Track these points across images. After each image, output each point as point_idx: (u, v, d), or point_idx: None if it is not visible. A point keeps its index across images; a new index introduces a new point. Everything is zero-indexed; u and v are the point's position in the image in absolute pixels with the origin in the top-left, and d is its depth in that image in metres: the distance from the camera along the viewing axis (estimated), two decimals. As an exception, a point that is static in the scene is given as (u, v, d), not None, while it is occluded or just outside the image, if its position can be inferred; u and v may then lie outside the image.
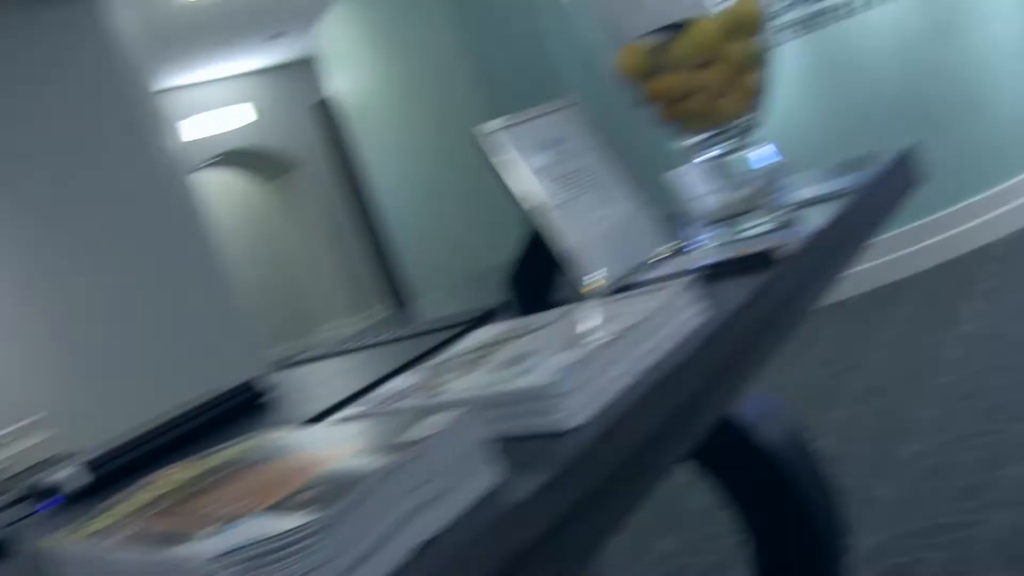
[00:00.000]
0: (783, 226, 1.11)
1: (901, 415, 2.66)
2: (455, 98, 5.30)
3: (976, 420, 2.46)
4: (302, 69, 8.90)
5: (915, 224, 4.01)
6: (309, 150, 9.15)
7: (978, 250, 4.00)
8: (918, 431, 2.52)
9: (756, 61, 1.25)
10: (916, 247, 4.00)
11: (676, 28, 1.19)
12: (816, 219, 1.09)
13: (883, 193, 1.27)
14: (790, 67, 3.95)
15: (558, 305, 0.85)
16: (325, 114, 8.36)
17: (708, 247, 1.11)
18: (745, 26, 1.23)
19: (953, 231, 4.04)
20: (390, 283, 8.19)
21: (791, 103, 3.97)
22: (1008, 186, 4.13)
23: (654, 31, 1.17)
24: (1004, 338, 2.96)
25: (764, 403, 1.26)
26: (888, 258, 3.99)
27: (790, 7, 3.90)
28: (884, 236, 3.94)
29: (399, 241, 7.01)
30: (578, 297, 0.99)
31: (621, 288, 0.98)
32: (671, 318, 0.71)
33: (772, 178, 1.23)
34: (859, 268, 3.95)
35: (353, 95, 6.94)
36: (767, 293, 0.82)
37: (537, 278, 1.10)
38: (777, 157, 1.23)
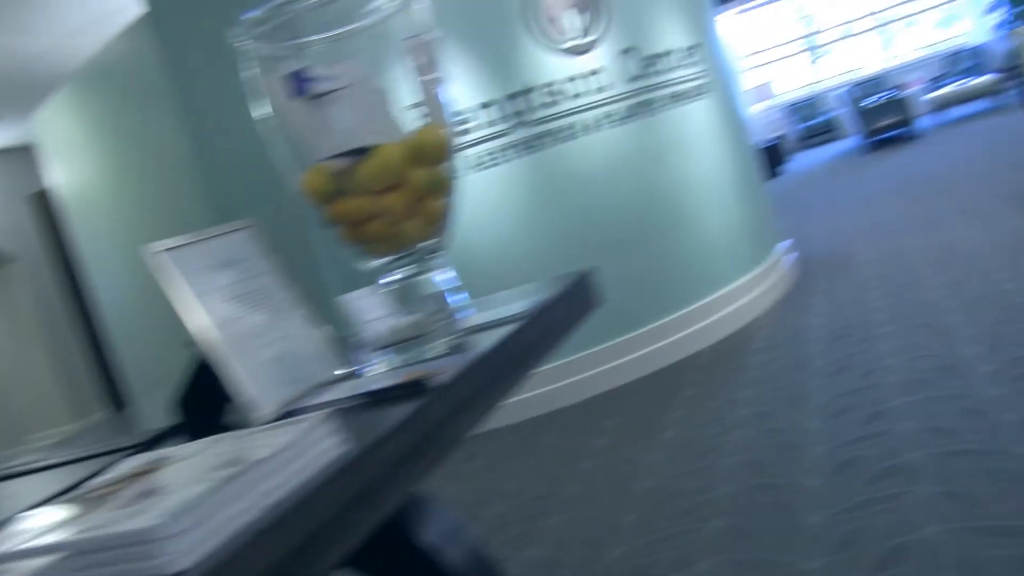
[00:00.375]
0: (451, 352, 1.14)
1: (608, 520, 2.79)
2: (176, 194, 5.14)
3: (672, 521, 2.63)
4: (19, 157, 8.26)
5: (628, 335, 4.30)
6: (25, 243, 8.43)
7: (686, 359, 4.34)
8: (622, 534, 2.65)
9: (440, 187, 1.30)
10: (628, 357, 4.28)
11: (362, 153, 1.22)
12: (483, 344, 1.13)
13: (556, 317, 1.34)
14: (513, 186, 4.17)
15: (229, 429, 0.82)
16: (43, 206, 7.78)
17: (375, 373, 1.12)
18: (429, 154, 1.28)
19: (663, 342, 4.36)
20: (109, 385, 7.61)
21: (513, 221, 4.17)
22: (712, 299, 4.54)
23: (340, 154, 1.19)
24: (699, 443, 3.21)
25: (447, 523, 1.27)
26: (603, 368, 4.23)
27: (514, 128, 4.13)
28: (599, 347, 4.23)
29: (118, 340, 6.57)
30: (243, 423, 0.96)
31: (285, 414, 0.97)
32: (305, 451, 0.71)
33: (448, 303, 1.27)
34: (575, 378, 4.18)
35: (72, 186, 6.53)
36: (414, 422, 0.84)
37: (207, 402, 1.07)
38: (456, 282, 1.27)
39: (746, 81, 15.60)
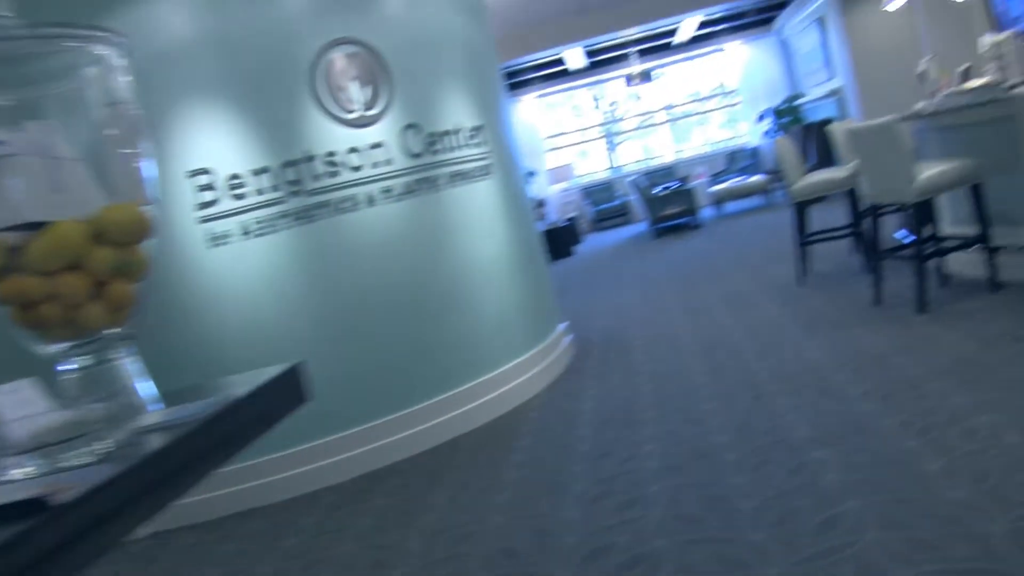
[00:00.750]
0: (102, 459, 1.00)
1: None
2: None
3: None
4: None
5: (398, 413, 4.20)
6: None
7: (456, 439, 4.28)
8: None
9: (129, 270, 1.18)
10: (398, 436, 4.18)
11: (37, 227, 1.08)
12: (142, 450, 1.00)
13: (247, 415, 1.23)
14: (284, 257, 4.01)
15: None
16: None
17: (10, 481, 0.96)
18: (115, 233, 1.15)
19: (434, 421, 4.29)
20: None
21: (279, 294, 4.01)
22: (486, 379, 4.53)
23: (12, 227, 1.06)
24: (458, 528, 3.12)
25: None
26: (371, 446, 4.10)
27: (289, 196, 3.99)
28: (369, 424, 4.10)
29: None
30: None
31: None
32: None
33: (129, 397, 1.14)
34: (342, 456, 4.02)
35: None
36: (14, 548, 0.70)
37: None
38: (142, 374, 1.15)
39: (547, 162, 16.17)
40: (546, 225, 12.94)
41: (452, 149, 4.53)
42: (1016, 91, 3.78)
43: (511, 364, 4.68)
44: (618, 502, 3.01)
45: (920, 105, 5.36)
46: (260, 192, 3.95)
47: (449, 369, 4.41)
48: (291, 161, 4.00)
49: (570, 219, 13.56)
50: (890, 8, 8.55)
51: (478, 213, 4.67)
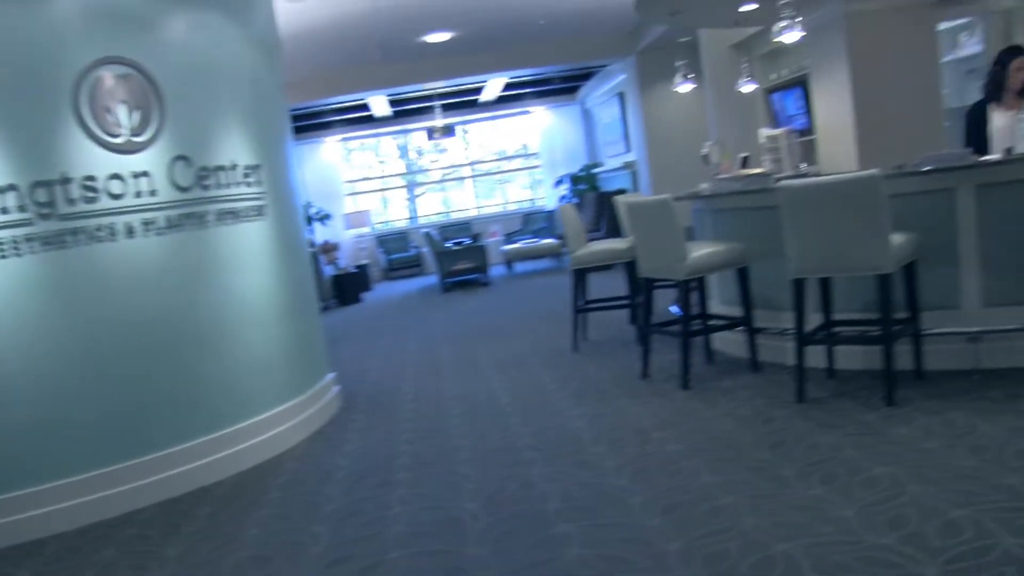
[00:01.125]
0: None
1: None
2: None
3: None
4: None
5: (140, 459, 3.95)
6: None
7: (202, 489, 4.05)
8: None
9: None
10: (138, 483, 3.91)
11: None
12: None
13: None
14: (27, 285, 3.70)
15: None
16: None
17: None
18: None
19: (179, 468, 4.05)
20: None
21: (19, 325, 3.70)
22: (242, 427, 4.33)
23: None
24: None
25: None
26: (107, 492, 3.82)
27: (38, 219, 3.69)
28: (106, 469, 3.80)
29: None
30: None
31: None
32: None
33: None
34: (71, 502, 3.73)
35: None
36: None
37: None
38: None
39: (346, 207, 16.01)
40: (336, 270, 12.73)
41: (225, 186, 4.36)
42: (781, 183, 4.10)
43: (271, 412, 4.51)
44: (355, 568, 2.92)
45: (702, 186, 5.73)
46: (4, 211, 3.63)
47: (202, 414, 4.19)
48: (43, 181, 3.71)
49: (360, 266, 13.42)
50: (680, 90, 9.14)
51: (247, 254, 4.50)
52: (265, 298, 4.61)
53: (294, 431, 4.64)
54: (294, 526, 3.42)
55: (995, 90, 5.06)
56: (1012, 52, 5.07)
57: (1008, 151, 4.49)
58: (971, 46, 8.79)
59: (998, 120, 5.02)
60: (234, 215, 4.41)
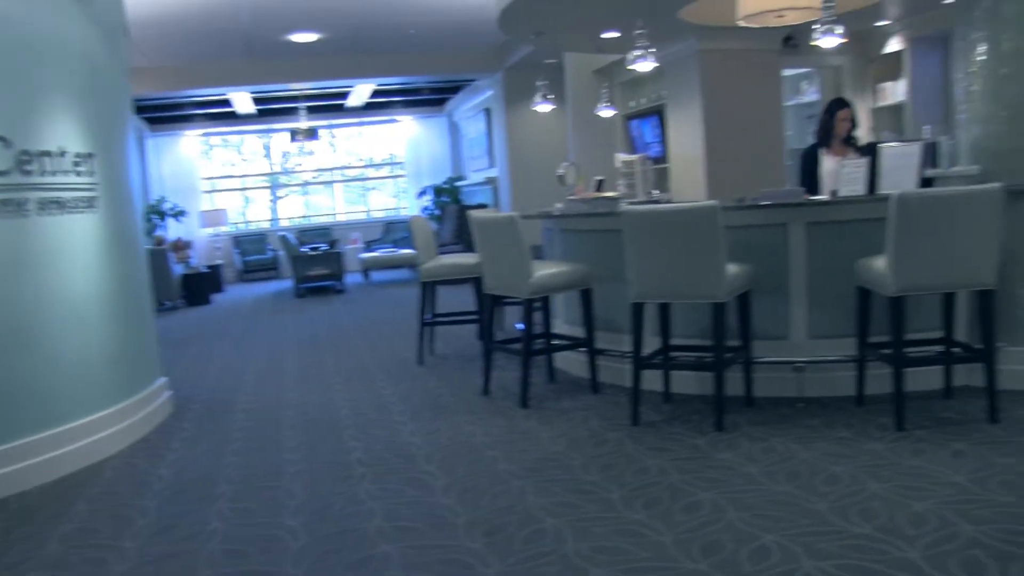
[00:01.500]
0: None
1: None
2: None
3: None
4: None
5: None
6: None
7: (4, 500, 3.74)
8: None
9: None
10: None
11: None
12: None
13: None
14: None
15: None
16: None
17: None
18: None
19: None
20: None
21: None
22: (55, 433, 4.02)
23: None
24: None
25: None
26: None
27: None
28: None
29: None
30: None
31: None
32: None
33: None
34: None
35: None
36: None
37: None
38: None
39: (202, 204, 15.46)
40: (186, 269, 12.23)
41: (50, 173, 4.07)
42: (624, 208, 4.16)
43: (88, 418, 4.22)
44: (163, 586, 2.76)
45: (556, 206, 5.78)
46: None
47: (6, 418, 3.87)
48: None
49: (213, 266, 12.95)
50: (539, 110, 9.23)
51: (71, 248, 4.21)
52: (89, 296, 4.33)
53: (114, 439, 4.37)
54: (100, 541, 3.19)
55: (825, 136, 5.61)
56: (838, 103, 5.70)
57: (833, 193, 4.74)
58: (811, 94, 9.35)
59: (827, 164, 5.46)
60: (59, 205, 4.12)
